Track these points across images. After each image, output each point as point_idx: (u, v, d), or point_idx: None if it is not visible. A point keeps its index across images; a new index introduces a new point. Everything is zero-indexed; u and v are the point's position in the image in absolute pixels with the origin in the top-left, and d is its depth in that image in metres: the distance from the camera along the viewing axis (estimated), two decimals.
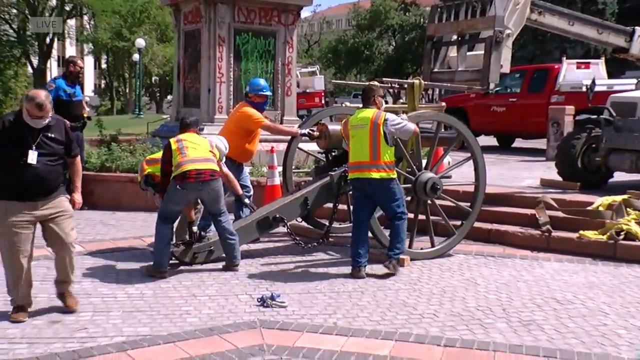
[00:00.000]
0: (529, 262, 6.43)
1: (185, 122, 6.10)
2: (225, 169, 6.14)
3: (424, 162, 6.61)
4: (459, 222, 6.76)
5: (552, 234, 6.87)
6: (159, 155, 6.19)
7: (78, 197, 4.89)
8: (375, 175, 5.77)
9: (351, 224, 6.15)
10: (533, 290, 5.49)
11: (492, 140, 15.64)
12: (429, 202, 6.59)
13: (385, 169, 5.78)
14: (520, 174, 10.18)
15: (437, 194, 6.49)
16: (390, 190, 5.84)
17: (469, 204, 6.84)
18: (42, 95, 4.49)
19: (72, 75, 8.61)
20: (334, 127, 6.75)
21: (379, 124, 5.79)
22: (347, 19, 67.45)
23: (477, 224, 6.97)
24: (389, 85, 7.23)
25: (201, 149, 5.82)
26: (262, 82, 7.02)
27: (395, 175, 5.88)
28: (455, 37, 7.73)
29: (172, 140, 5.92)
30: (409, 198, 6.56)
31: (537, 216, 7.09)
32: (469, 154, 6.80)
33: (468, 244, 6.99)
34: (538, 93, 13.96)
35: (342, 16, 74.65)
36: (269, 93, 7.06)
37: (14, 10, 45.23)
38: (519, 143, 15.70)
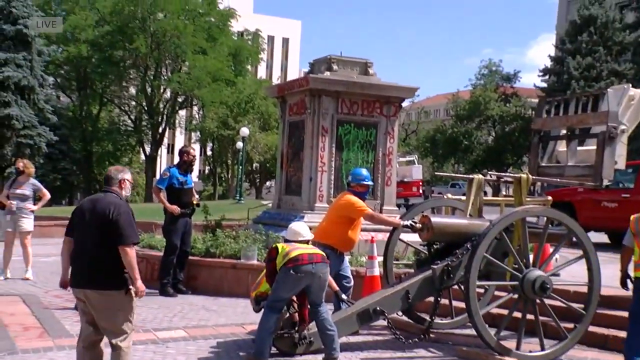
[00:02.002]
0: None
1: None
2: None
3: (531, 258, 6.37)
4: (570, 325, 6.37)
5: None
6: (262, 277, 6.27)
7: None
8: None
9: (453, 320, 5.93)
10: None
11: (602, 237, 14.82)
12: (537, 301, 6.29)
13: None
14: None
15: (547, 294, 6.19)
16: None
17: (581, 305, 6.45)
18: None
19: (185, 164, 9.10)
20: (437, 219, 6.69)
21: None
22: (445, 109, 67.95)
23: (591, 328, 6.55)
24: (491, 178, 7.12)
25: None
26: (364, 172, 7.12)
27: None
28: (564, 131, 7.58)
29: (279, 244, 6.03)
30: (515, 296, 6.30)
31: None
32: (580, 253, 6.49)
33: (582, 349, 6.55)
34: None
35: (440, 106, 75.32)
36: (370, 183, 7.13)
37: (133, 103, 49.09)
38: None
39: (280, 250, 5.84)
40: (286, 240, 6.08)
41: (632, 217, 5.91)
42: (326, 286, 5.89)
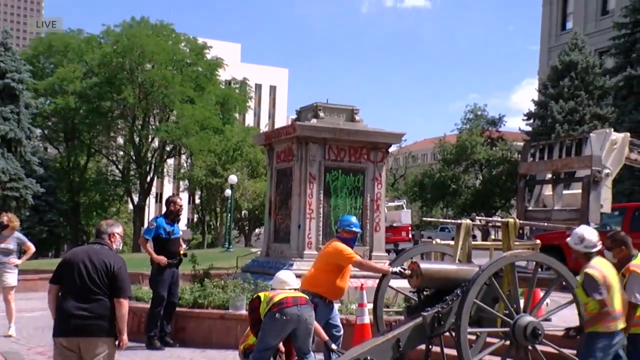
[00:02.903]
0: None
1: None
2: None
3: (521, 303, 6.31)
4: None
5: None
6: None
7: None
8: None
9: None
10: None
11: None
12: (529, 347, 6.21)
13: None
14: None
15: (539, 340, 6.11)
16: None
17: (573, 351, 6.38)
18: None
19: (173, 214, 9.06)
20: (426, 265, 6.64)
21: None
22: (432, 153, 68.51)
23: None
24: (480, 222, 7.13)
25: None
26: (352, 219, 7.10)
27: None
28: (549, 175, 7.65)
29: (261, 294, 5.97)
30: (507, 342, 6.22)
31: None
32: (570, 297, 6.45)
33: None
34: None
35: (428, 150, 75.97)
36: (358, 230, 7.10)
37: (121, 153, 49.15)
38: None
39: (263, 298, 5.78)
40: (272, 289, 6.02)
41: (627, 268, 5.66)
42: (312, 332, 5.80)
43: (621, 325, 5.52)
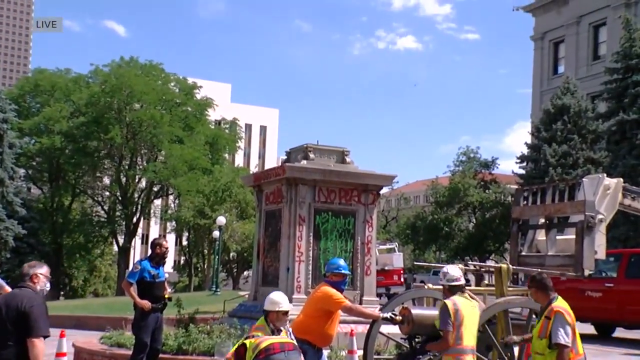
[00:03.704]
0: None
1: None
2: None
3: (515, 351, 6.27)
4: None
5: None
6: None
7: None
8: None
9: None
10: None
11: (589, 328, 14.67)
12: None
13: None
14: None
15: None
16: None
17: None
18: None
19: (158, 256, 8.95)
20: (417, 311, 6.60)
21: None
22: (425, 196, 68.69)
23: None
24: (474, 267, 7.12)
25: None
26: (340, 261, 7.06)
27: None
28: (542, 220, 7.67)
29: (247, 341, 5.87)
30: None
31: None
32: None
33: None
34: (638, 279, 13.29)
35: (420, 192, 76.24)
36: (346, 272, 7.06)
37: (107, 193, 48.95)
38: (620, 332, 14.61)
39: (249, 345, 5.68)
40: (264, 311, 5.94)
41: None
42: None
43: None
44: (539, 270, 7.39)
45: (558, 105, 34.46)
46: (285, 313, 5.97)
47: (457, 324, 5.74)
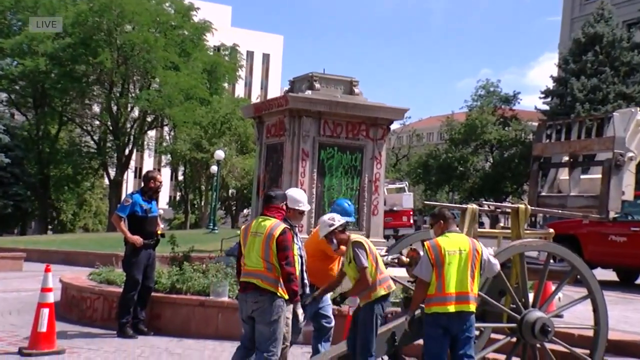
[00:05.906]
0: None
1: (269, 195, 5.97)
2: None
3: (530, 297, 6.33)
4: None
5: None
6: None
7: None
8: (472, 308, 5.58)
9: None
10: None
11: (611, 274, 14.83)
12: (537, 345, 6.23)
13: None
14: None
15: (548, 337, 6.13)
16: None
17: (586, 351, 6.40)
18: None
19: (151, 190, 8.98)
20: None
21: (478, 253, 5.65)
22: (439, 133, 68.54)
23: None
24: (488, 208, 7.10)
25: (254, 254, 5.71)
26: (346, 204, 7.06)
27: None
28: (566, 158, 7.60)
29: (242, 227, 6.04)
30: (514, 339, 6.24)
31: None
32: (584, 292, 6.46)
33: None
34: None
35: (434, 129, 76.03)
36: (351, 219, 7.07)
37: (97, 122, 48.88)
38: None
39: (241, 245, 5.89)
40: (286, 207, 6.03)
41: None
42: (271, 331, 5.60)
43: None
44: (564, 212, 7.41)
45: (590, 34, 33.83)
46: (302, 212, 6.44)
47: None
